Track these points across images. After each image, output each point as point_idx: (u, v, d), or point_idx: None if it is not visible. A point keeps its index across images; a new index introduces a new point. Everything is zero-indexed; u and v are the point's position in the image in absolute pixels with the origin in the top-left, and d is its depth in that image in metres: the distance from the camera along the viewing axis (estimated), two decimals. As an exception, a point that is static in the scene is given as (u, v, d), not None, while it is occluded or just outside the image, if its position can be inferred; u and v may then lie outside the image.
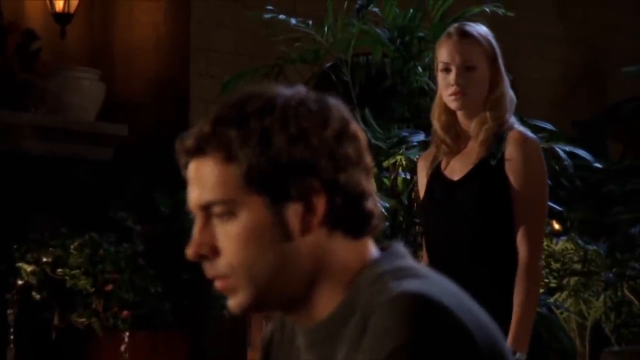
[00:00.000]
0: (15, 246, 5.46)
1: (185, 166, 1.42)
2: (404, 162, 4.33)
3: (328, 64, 4.81)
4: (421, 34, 4.50)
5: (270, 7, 4.80)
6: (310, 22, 4.62)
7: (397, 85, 4.64)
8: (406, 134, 4.36)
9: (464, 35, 3.10)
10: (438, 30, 4.41)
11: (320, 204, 1.39)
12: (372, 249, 1.44)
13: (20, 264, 5.41)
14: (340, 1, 4.56)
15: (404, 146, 4.29)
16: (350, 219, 1.41)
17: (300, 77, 4.56)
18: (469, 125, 3.09)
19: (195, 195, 1.41)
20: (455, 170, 3.09)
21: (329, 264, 1.41)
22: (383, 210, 3.82)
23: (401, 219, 4.35)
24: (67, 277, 5.33)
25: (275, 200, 1.38)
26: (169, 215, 5.56)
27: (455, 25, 3.21)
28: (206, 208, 1.40)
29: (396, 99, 4.67)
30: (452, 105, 3.08)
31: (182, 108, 6.21)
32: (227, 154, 1.38)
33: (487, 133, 3.04)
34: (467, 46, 3.08)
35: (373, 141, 4.27)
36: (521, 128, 3.11)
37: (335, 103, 1.43)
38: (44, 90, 6.23)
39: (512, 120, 3.11)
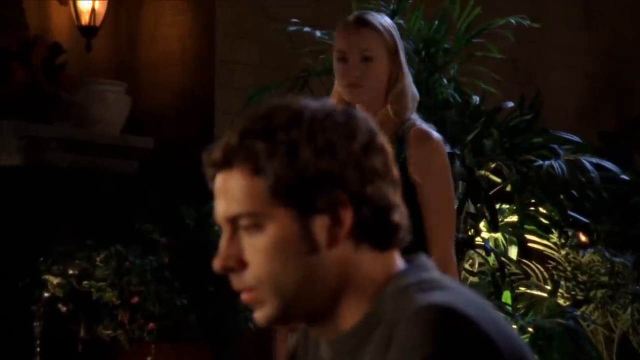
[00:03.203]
0: (41, 258, 5.48)
1: (212, 179, 1.42)
2: (429, 174, 4.32)
3: (353, 76, 4.81)
4: (446, 46, 4.49)
5: (295, 20, 4.80)
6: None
7: (422, 97, 4.63)
8: (431, 145, 4.34)
9: (363, 23, 2.89)
10: (463, 42, 4.41)
11: (347, 216, 1.39)
12: (398, 261, 1.44)
13: (46, 277, 5.42)
14: (365, 13, 4.56)
15: (429, 158, 4.27)
16: (376, 231, 1.41)
17: (325, 90, 4.56)
18: None
19: (222, 208, 1.41)
20: None
21: (355, 276, 1.41)
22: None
23: (427, 231, 4.33)
24: (92, 290, 5.35)
25: (303, 212, 1.38)
26: (195, 228, 5.57)
27: (356, 12, 3.00)
28: (233, 221, 1.40)
29: (421, 111, 4.66)
30: (347, 96, 2.89)
31: (207, 121, 6.22)
32: (254, 166, 1.38)
33: (388, 133, 2.80)
34: (365, 35, 2.88)
35: (398, 153, 4.26)
36: (423, 125, 2.94)
37: (362, 115, 1.43)
38: (69, 103, 6.26)
39: (414, 117, 2.95)
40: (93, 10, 6.58)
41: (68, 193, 5.93)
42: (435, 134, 2.94)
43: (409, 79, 2.94)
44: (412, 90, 2.96)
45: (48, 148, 6.06)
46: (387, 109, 2.87)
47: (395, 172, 1.44)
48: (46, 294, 5.43)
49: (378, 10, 4.46)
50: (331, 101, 2.94)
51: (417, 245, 2.77)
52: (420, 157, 2.87)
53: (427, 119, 4.59)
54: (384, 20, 2.93)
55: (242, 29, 6.35)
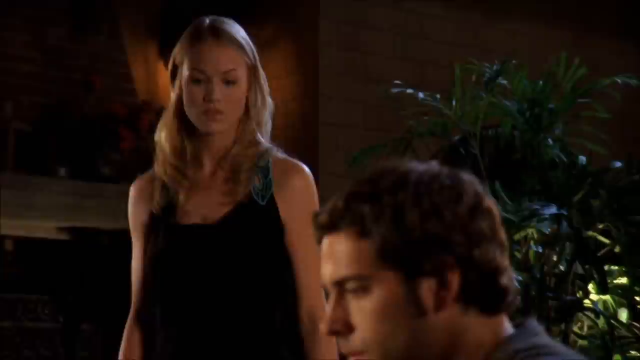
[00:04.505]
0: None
1: (319, 241, 1.43)
2: (535, 235, 4.27)
3: (456, 137, 4.79)
4: (551, 106, 4.45)
5: (397, 82, 4.82)
6: (438, 96, 4.62)
7: (527, 158, 4.59)
8: (537, 206, 4.29)
9: (223, 37, 2.39)
10: (569, 102, 4.37)
11: (454, 279, 1.38)
12: (507, 326, 1.42)
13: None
14: (468, 74, 4.56)
15: (535, 219, 4.23)
16: (484, 295, 1.39)
17: (429, 151, 4.56)
18: (214, 150, 2.45)
19: (329, 272, 1.41)
20: (202, 209, 2.43)
21: (463, 341, 1.39)
22: (517, 285, 3.75)
23: (534, 293, 4.27)
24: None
25: (409, 275, 1.37)
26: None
27: (206, 21, 2.43)
28: (340, 284, 1.40)
29: (526, 172, 4.62)
30: (205, 126, 2.40)
31: (312, 183, 6.26)
32: (360, 229, 1.38)
33: (249, 164, 2.45)
34: (227, 53, 2.39)
35: (503, 214, 4.22)
36: (286, 156, 2.58)
37: (469, 178, 1.42)
38: (176, 166, 6.35)
39: (268, 144, 2.57)
40: (199, 75, 6.70)
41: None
42: (306, 167, 2.58)
43: (269, 101, 2.57)
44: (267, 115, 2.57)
45: (155, 211, 6.14)
46: (244, 140, 2.47)
47: (503, 235, 1.43)
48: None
49: (481, 73, 4.46)
50: (167, 129, 2.46)
51: (282, 297, 2.41)
52: (299, 192, 2.50)
53: (532, 179, 4.56)
54: (240, 30, 2.45)
55: (345, 91, 6.40)
